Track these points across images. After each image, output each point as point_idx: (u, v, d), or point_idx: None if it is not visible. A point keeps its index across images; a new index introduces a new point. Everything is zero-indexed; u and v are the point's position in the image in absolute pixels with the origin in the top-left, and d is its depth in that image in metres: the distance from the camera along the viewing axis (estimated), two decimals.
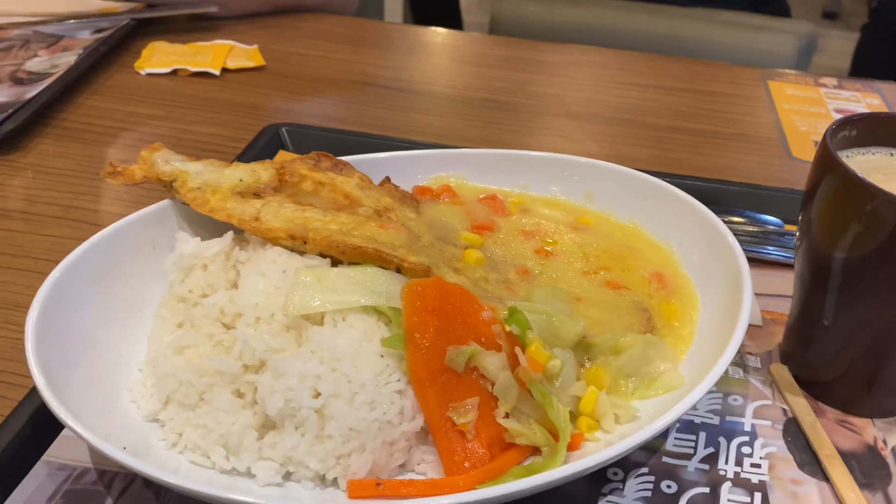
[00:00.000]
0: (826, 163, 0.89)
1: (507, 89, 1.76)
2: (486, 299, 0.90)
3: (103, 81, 1.64)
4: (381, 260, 0.91)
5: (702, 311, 0.97)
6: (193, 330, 0.85)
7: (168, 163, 1.01)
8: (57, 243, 1.17)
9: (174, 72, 1.68)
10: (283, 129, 1.42)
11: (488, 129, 1.59)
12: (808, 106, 1.78)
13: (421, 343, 0.81)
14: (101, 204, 1.27)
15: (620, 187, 1.13)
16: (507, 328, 0.85)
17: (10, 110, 1.43)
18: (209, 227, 0.99)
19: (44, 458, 0.83)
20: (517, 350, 0.82)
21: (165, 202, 1.01)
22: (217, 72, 1.68)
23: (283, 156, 1.38)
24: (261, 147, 1.37)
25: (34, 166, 1.36)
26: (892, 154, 0.98)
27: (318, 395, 0.78)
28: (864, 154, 0.98)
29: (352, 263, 0.92)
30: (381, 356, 0.81)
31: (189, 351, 0.84)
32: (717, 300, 0.97)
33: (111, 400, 0.85)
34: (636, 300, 0.97)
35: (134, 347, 0.91)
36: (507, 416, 0.82)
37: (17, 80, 1.56)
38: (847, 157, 0.97)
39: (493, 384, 0.82)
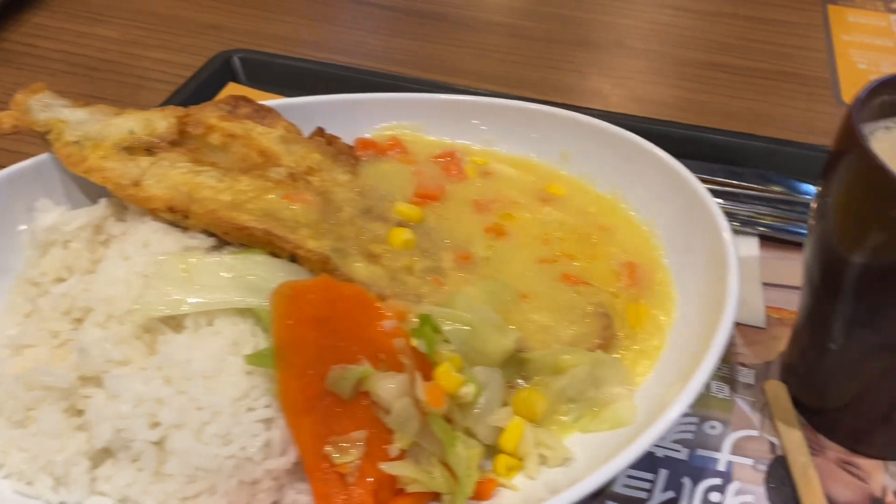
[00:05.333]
0: (847, 139, 0.67)
1: (520, 9, 1.53)
2: (402, 297, 0.73)
3: None
4: (271, 245, 0.74)
5: (677, 316, 0.78)
6: (38, 325, 0.71)
7: (47, 109, 0.85)
8: None
9: None
10: (236, 57, 1.23)
11: (484, 60, 1.37)
12: (873, 37, 1.49)
13: (294, 362, 0.64)
14: (22, 144, 1.12)
15: (602, 148, 0.92)
16: (413, 343, 0.67)
17: None
18: (101, 189, 0.83)
19: None
20: (416, 375, 0.65)
21: (46, 156, 0.85)
22: None
23: (232, 89, 1.21)
24: (206, 78, 1.19)
25: None
26: None
27: (156, 424, 0.63)
28: None
29: (243, 245, 0.76)
30: (249, 373, 0.66)
31: (28, 351, 0.70)
32: (697, 301, 0.77)
33: None
34: (596, 301, 0.78)
35: None
36: (402, 453, 0.66)
37: None
38: (887, 128, 0.74)
39: (389, 413, 0.66)
